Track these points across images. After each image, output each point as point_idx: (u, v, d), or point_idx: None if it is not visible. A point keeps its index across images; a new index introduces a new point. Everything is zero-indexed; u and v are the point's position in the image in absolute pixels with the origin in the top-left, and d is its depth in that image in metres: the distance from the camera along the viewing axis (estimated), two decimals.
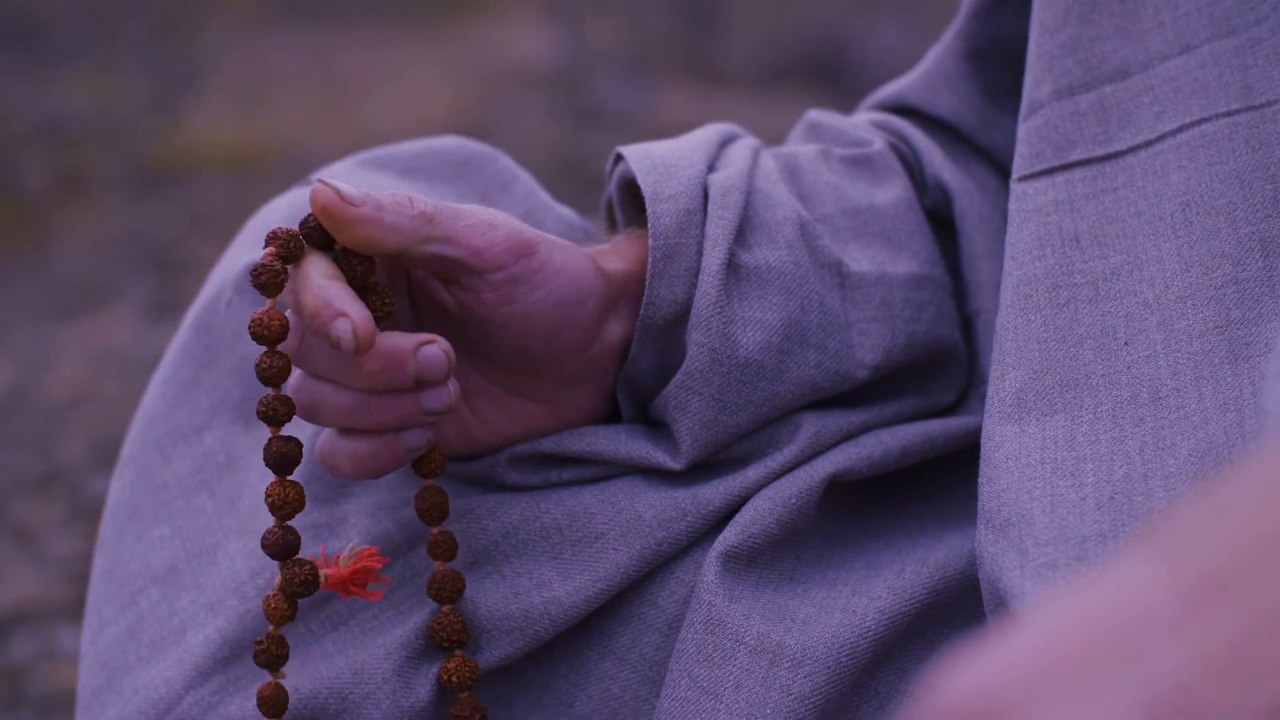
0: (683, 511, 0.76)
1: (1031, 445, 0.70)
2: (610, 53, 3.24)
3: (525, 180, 0.86)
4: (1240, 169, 0.70)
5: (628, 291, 0.77)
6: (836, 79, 2.98)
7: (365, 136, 2.39)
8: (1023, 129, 0.76)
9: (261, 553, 0.75)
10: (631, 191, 0.82)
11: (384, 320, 0.72)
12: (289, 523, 0.72)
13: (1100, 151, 0.73)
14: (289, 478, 0.71)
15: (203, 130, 2.99)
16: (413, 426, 0.72)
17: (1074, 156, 0.74)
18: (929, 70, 0.89)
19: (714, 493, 0.77)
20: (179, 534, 0.78)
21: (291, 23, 3.53)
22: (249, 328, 0.70)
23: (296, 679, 0.75)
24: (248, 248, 0.82)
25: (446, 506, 0.74)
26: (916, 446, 0.80)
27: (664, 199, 0.77)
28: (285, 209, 0.83)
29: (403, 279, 0.75)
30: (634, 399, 0.79)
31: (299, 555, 0.73)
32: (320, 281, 0.69)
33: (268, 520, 0.75)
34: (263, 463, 0.72)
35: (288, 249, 0.70)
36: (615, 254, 0.77)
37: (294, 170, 2.52)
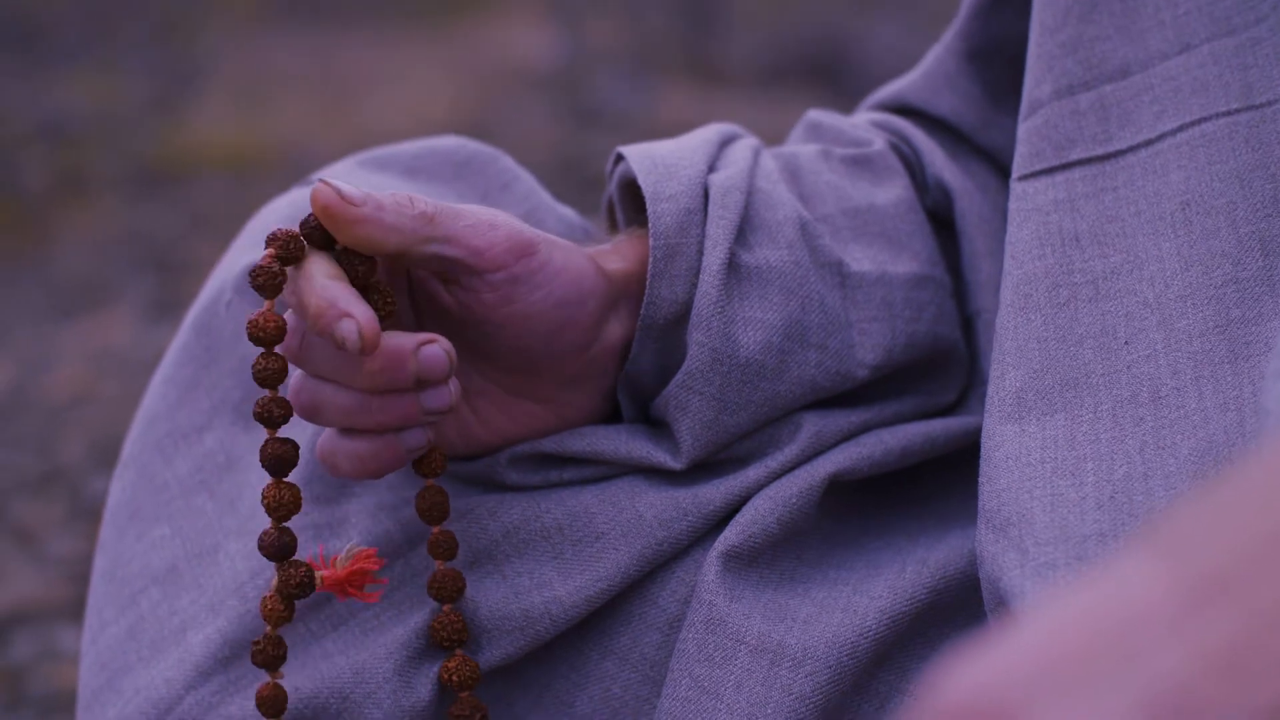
0: (683, 511, 0.76)
1: (1031, 445, 0.70)
2: (610, 53, 3.24)
3: (526, 180, 0.86)
4: (1240, 168, 0.70)
5: (628, 291, 0.77)
6: (837, 79, 2.98)
7: (366, 136, 2.39)
8: (1023, 128, 0.76)
9: None
10: (632, 191, 0.82)
11: (386, 320, 0.72)
12: (286, 524, 0.72)
13: (1100, 151, 0.73)
14: (285, 479, 0.71)
15: (203, 130, 2.99)
16: (413, 426, 0.72)
17: (1074, 156, 0.74)
18: (929, 70, 0.89)
19: (715, 492, 0.77)
20: (179, 534, 0.78)
21: (292, 23, 3.53)
22: (246, 329, 0.70)
23: (297, 679, 0.75)
24: (248, 248, 0.82)
25: (447, 506, 0.74)
26: (917, 446, 0.80)
27: (665, 199, 0.77)
28: (286, 209, 0.83)
29: (403, 279, 0.75)
30: (635, 399, 0.79)
31: (297, 556, 0.73)
32: (324, 282, 0.69)
33: (268, 520, 0.75)
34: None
35: (287, 250, 0.70)
36: (615, 254, 0.77)
37: (294, 170, 2.52)
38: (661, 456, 0.77)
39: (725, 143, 0.82)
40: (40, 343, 2.22)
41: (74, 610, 1.56)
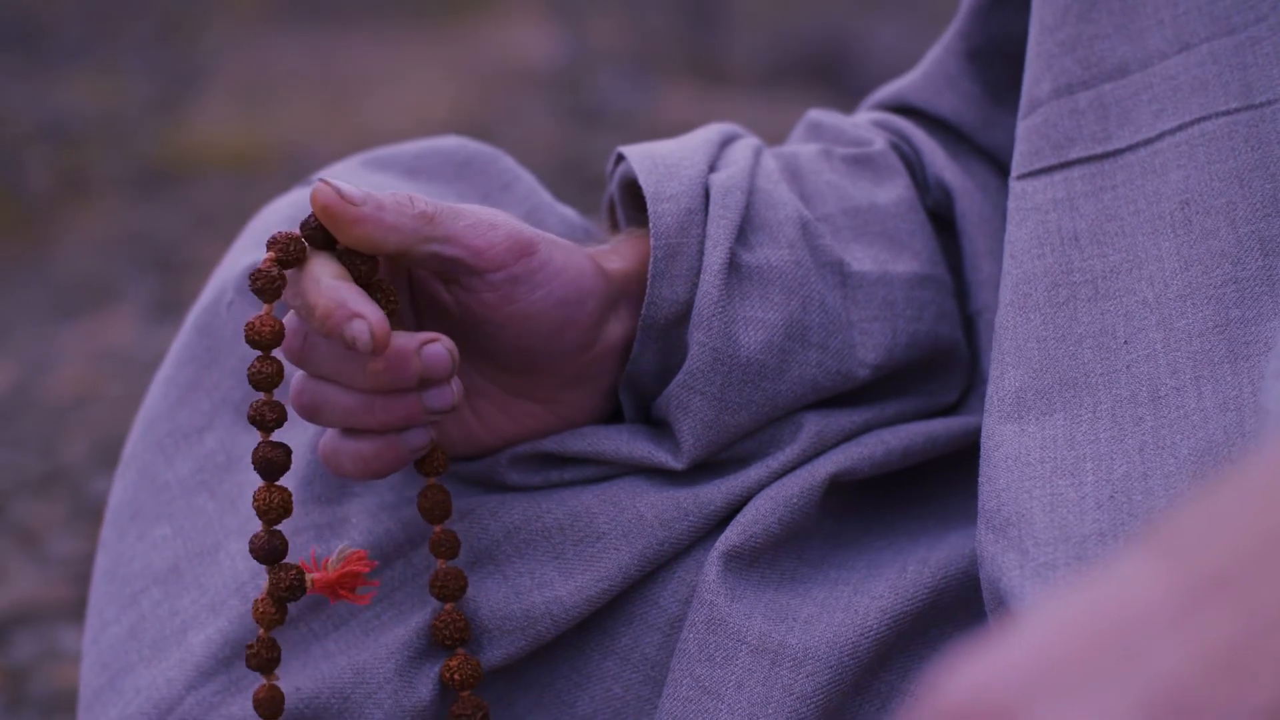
0: (684, 511, 0.76)
1: (1031, 444, 0.70)
2: (612, 52, 3.24)
3: (527, 180, 0.86)
4: (1240, 168, 0.70)
5: (628, 291, 0.77)
6: (837, 79, 2.98)
7: (367, 136, 2.39)
8: (1022, 127, 0.76)
9: None
10: (633, 191, 0.82)
11: (389, 318, 0.72)
12: (278, 527, 0.72)
13: (1099, 149, 0.73)
14: (277, 483, 0.71)
15: (205, 130, 2.99)
16: (416, 426, 0.72)
17: (1073, 154, 0.74)
18: (929, 70, 0.89)
19: (716, 492, 0.77)
20: (180, 534, 0.78)
21: (293, 23, 3.53)
22: (243, 333, 0.70)
23: (298, 679, 0.75)
24: (249, 248, 0.82)
25: (449, 505, 0.74)
26: (918, 446, 0.80)
27: (665, 199, 0.77)
28: (287, 209, 0.83)
29: (403, 279, 0.75)
30: (636, 399, 0.79)
31: (298, 556, 0.73)
32: (330, 283, 0.69)
33: None
34: None
35: (287, 253, 0.70)
36: (616, 254, 0.77)
37: (296, 170, 2.52)
38: (662, 456, 0.77)
39: (726, 142, 0.82)
40: (42, 343, 2.23)
41: (75, 610, 1.56)
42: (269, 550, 0.71)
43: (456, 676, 0.74)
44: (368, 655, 0.75)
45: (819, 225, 0.80)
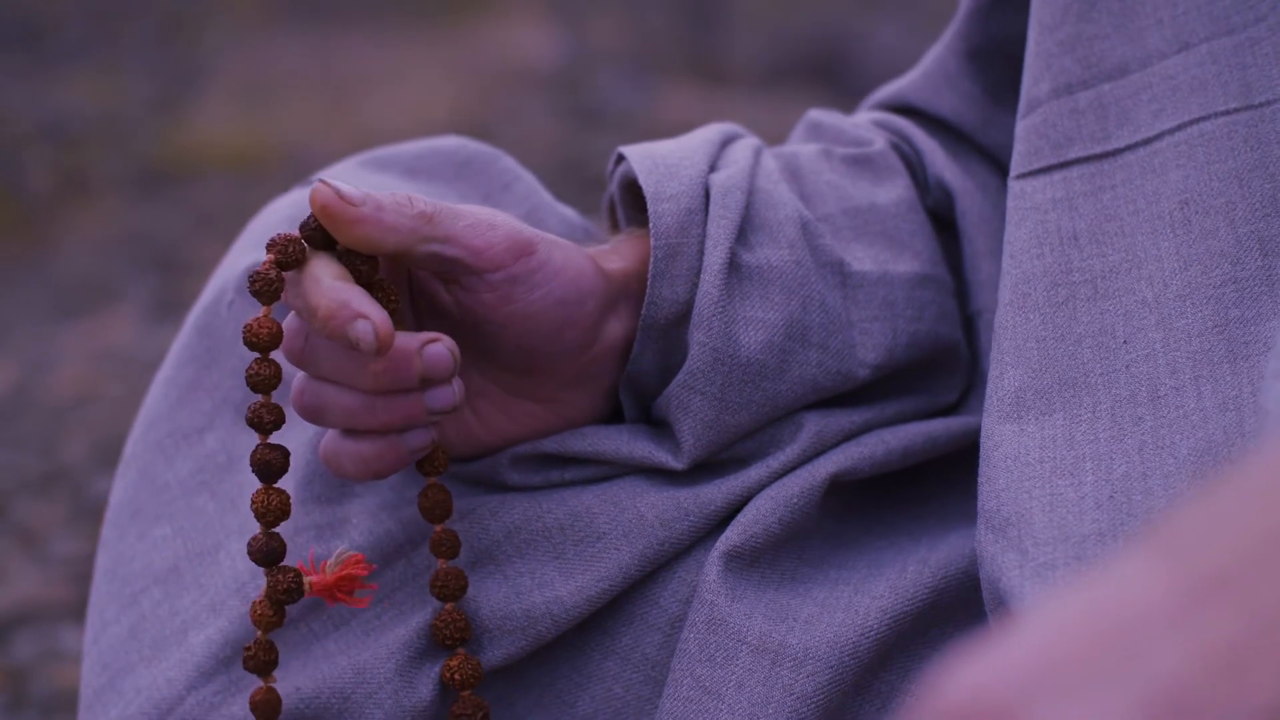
0: (685, 511, 0.76)
1: (1030, 444, 0.70)
2: (612, 52, 3.24)
3: (527, 180, 0.86)
4: (1239, 168, 0.70)
5: (628, 291, 0.77)
6: (838, 79, 2.98)
7: (367, 137, 2.39)
8: (1021, 127, 0.76)
9: None
10: (633, 191, 0.82)
11: (390, 318, 0.72)
12: (275, 529, 0.72)
13: (1099, 149, 0.73)
14: (275, 485, 0.71)
15: (205, 130, 2.99)
16: (417, 426, 0.72)
17: (1072, 154, 0.74)
18: (929, 70, 0.89)
19: (716, 492, 0.77)
20: (180, 534, 0.78)
21: (293, 23, 3.53)
22: (242, 335, 0.70)
23: (298, 679, 0.75)
24: (250, 248, 0.82)
25: (449, 505, 0.74)
26: (918, 446, 0.80)
27: (665, 199, 0.77)
28: (287, 209, 0.83)
29: (403, 279, 0.75)
30: (636, 399, 0.79)
31: (299, 556, 0.73)
32: (332, 284, 0.69)
33: None
34: None
35: (286, 254, 0.70)
36: (616, 253, 0.77)
37: (296, 170, 2.52)
38: (663, 456, 0.77)
39: (726, 142, 0.82)
40: (42, 343, 2.23)
41: (76, 610, 1.56)
42: (267, 552, 0.71)
43: (457, 676, 0.74)
44: (368, 655, 0.75)
45: (819, 225, 0.80)
